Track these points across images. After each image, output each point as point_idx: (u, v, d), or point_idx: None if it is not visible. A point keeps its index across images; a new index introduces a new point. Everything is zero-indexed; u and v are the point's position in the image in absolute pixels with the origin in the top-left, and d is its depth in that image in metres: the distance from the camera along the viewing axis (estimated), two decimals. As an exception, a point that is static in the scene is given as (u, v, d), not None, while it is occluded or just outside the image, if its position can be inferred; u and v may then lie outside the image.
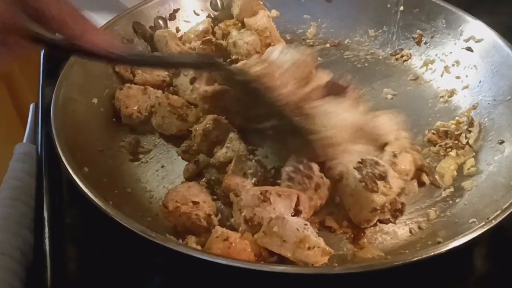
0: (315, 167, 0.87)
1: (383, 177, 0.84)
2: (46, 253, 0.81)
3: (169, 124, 0.99)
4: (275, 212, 0.78)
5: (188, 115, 1.00)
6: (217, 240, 0.76)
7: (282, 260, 0.76)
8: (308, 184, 0.84)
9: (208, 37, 1.14)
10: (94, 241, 0.83)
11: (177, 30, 1.22)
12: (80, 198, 0.78)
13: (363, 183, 0.82)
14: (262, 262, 0.76)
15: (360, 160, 0.86)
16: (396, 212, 0.87)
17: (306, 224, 0.78)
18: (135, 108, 1.01)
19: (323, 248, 0.76)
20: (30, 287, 0.81)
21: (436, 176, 0.93)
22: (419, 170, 0.93)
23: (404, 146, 0.92)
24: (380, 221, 0.86)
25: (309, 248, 0.75)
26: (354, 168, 0.85)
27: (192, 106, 1.02)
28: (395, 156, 0.90)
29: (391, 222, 0.86)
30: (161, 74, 1.09)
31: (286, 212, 0.80)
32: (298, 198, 0.82)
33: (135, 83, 1.07)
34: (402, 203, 0.88)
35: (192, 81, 1.03)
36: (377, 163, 0.86)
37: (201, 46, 1.13)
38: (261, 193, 0.80)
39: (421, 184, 0.93)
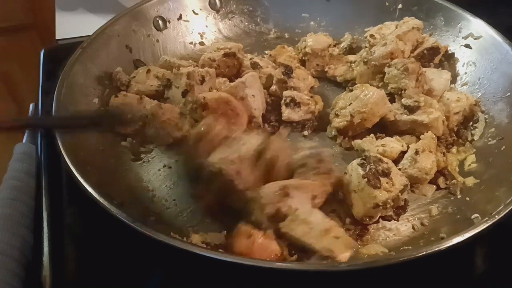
0: (325, 151, 0.89)
1: (386, 174, 0.84)
2: (45, 253, 0.81)
3: (164, 135, 0.97)
4: (296, 205, 0.79)
5: (182, 123, 0.99)
6: (241, 237, 0.76)
7: (302, 259, 0.77)
8: (321, 168, 0.85)
9: (232, 50, 1.12)
10: (93, 241, 0.82)
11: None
12: (80, 198, 0.78)
13: (366, 179, 0.83)
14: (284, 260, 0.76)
15: (364, 157, 0.87)
16: (399, 209, 0.87)
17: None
18: (129, 116, 0.98)
19: (348, 240, 0.77)
20: (30, 287, 0.81)
21: (455, 182, 0.92)
22: (439, 173, 0.93)
23: (430, 146, 0.92)
24: (383, 218, 0.87)
25: (335, 237, 0.76)
26: (358, 164, 0.86)
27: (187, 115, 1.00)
28: (417, 153, 0.90)
29: (394, 219, 0.87)
30: (154, 84, 1.06)
31: (306, 204, 0.80)
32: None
33: (129, 92, 1.05)
34: (405, 200, 0.88)
35: (184, 94, 1.01)
36: (380, 160, 0.86)
37: (223, 58, 1.11)
38: (280, 189, 0.80)
39: (437, 187, 0.93)
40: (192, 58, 1.19)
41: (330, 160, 0.87)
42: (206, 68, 1.04)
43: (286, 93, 1.05)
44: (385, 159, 0.87)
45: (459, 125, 1.03)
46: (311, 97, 1.07)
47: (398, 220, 0.86)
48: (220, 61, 1.11)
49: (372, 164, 0.84)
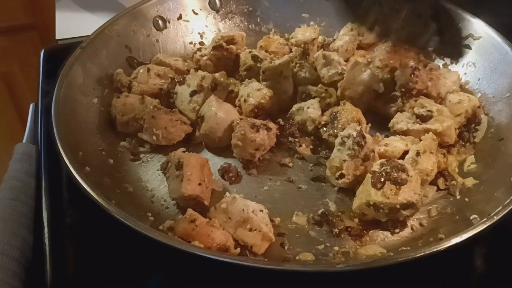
0: (369, 139, 0.89)
1: (397, 183, 0.83)
2: (45, 253, 0.81)
3: (171, 134, 0.98)
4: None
5: (184, 120, 1.00)
6: (185, 220, 0.78)
7: (245, 253, 0.80)
8: (357, 152, 0.87)
9: (219, 42, 1.13)
10: (93, 241, 0.83)
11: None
12: (80, 198, 0.79)
13: (371, 176, 0.83)
14: (225, 252, 0.78)
15: (389, 159, 0.87)
16: (397, 223, 0.86)
17: (261, 210, 0.82)
18: (131, 116, 1.00)
19: (264, 233, 0.79)
20: (30, 287, 0.81)
21: (454, 183, 0.92)
22: (439, 174, 0.93)
23: (431, 147, 0.92)
24: (379, 225, 0.86)
25: (250, 229, 0.79)
26: (380, 163, 0.86)
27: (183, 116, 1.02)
28: (418, 154, 0.90)
29: (389, 230, 0.85)
30: (158, 83, 1.07)
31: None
32: None
33: (132, 93, 1.06)
34: (406, 217, 0.86)
35: (192, 94, 1.02)
36: (403, 170, 0.84)
37: (212, 52, 1.13)
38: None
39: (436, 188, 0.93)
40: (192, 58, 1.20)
41: (370, 147, 0.89)
42: (222, 79, 1.06)
43: (300, 88, 1.05)
44: (410, 173, 0.85)
45: (461, 127, 1.02)
46: (326, 90, 1.07)
47: (393, 234, 0.85)
48: (211, 56, 1.12)
49: (389, 168, 0.84)
